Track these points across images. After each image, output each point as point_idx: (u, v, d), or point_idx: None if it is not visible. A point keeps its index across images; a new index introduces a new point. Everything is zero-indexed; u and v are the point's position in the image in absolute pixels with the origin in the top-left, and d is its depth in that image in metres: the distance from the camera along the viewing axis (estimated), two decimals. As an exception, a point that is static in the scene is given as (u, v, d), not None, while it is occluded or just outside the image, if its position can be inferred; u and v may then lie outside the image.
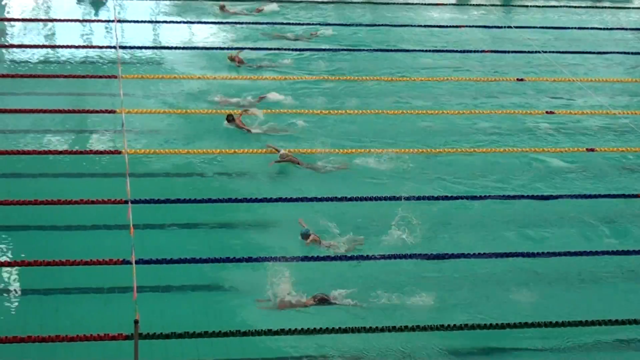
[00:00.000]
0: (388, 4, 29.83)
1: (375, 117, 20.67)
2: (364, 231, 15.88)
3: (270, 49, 24.26)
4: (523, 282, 14.83)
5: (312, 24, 26.71)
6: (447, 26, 27.49)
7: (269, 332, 12.81)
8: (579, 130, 20.90)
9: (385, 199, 16.78)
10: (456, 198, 17.22)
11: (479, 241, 15.93)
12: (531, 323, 13.36)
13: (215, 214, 16.30)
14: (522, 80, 23.34)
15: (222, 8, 26.94)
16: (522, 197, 17.40)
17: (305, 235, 15.32)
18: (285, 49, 24.26)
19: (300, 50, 24.42)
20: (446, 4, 30.58)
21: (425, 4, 29.94)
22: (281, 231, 15.90)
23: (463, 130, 20.44)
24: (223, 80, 21.98)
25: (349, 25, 27.09)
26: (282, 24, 26.52)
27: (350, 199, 16.75)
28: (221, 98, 20.70)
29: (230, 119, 19.30)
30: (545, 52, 24.96)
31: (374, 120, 20.52)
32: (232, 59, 22.61)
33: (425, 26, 27.35)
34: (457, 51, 25.19)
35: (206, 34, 25.68)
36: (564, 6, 30.82)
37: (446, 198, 17.19)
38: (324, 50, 24.64)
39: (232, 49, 23.45)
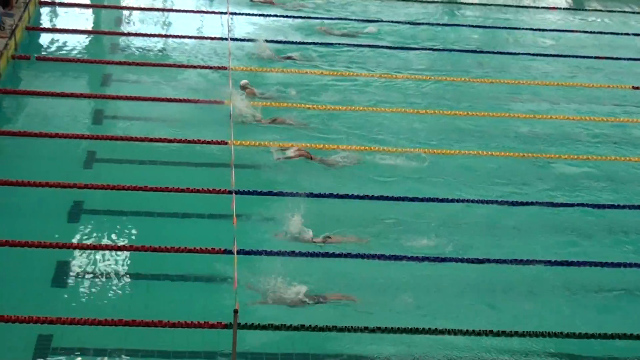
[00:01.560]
0: (500, 5, 29.54)
1: (482, 119, 20.46)
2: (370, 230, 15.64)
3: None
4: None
5: (414, 23, 26.69)
6: (560, 30, 27.01)
7: (365, 330, 12.81)
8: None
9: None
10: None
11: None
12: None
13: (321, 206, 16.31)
14: (638, 88, 22.70)
15: None
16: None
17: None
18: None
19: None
20: (560, 8, 30.06)
21: (536, 7, 29.52)
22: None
23: (574, 137, 20.02)
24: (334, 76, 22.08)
25: (457, 25, 27.00)
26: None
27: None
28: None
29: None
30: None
31: (483, 122, 20.34)
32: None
33: (535, 29, 26.97)
34: (569, 56, 24.71)
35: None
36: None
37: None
38: (423, 49, 24.58)
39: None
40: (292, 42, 24.04)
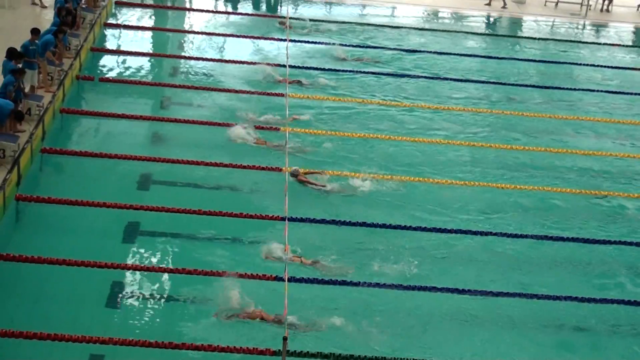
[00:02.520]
0: (560, 40, 29.49)
1: (539, 153, 20.41)
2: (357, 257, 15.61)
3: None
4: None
5: (473, 55, 26.72)
6: (622, 67, 26.87)
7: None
8: None
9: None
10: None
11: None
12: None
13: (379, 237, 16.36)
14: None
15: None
16: None
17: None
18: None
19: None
20: (622, 45, 29.85)
21: (598, 43, 29.37)
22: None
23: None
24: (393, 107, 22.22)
25: (515, 59, 27.03)
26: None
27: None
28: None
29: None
30: None
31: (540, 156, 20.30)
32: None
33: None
34: (630, 93, 24.58)
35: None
36: None
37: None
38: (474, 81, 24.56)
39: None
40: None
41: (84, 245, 15.11)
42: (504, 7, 32.37)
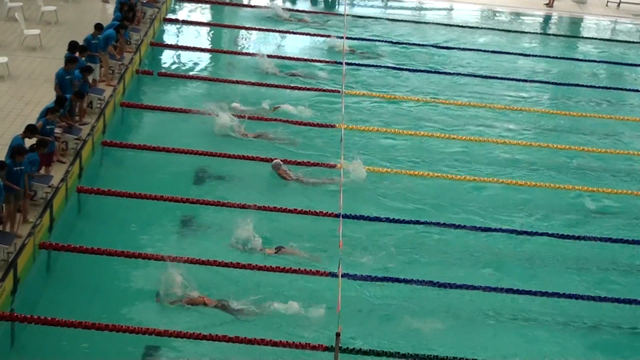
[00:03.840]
0: (620, 41, 29.15)
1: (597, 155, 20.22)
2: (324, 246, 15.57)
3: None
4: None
5: (532, 55, 26.56)
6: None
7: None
8: None
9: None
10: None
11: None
12: None
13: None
14: None
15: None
16: None
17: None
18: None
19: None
20: None
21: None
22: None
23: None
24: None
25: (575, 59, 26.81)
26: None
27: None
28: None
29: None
30: None
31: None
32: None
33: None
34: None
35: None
36: None
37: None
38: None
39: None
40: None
41: (140, 237, 15.40)
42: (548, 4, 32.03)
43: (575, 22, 31.51)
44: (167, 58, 23.97)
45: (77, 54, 18.34)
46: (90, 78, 18.62)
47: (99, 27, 19.84)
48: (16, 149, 14.03)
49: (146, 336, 12.67)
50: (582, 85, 24.55)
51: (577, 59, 26.94)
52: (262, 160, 18.23)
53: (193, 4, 28.44)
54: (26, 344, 12.70)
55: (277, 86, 22.08)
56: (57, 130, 16.28)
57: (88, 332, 12.64)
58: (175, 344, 12.75)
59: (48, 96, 18.35)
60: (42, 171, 15.48)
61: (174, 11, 27.50)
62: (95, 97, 18.76)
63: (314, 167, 18.19)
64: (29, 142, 14.80)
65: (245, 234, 15.44)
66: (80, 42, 19.00)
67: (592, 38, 29.49)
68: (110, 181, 16.93)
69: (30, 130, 14.80)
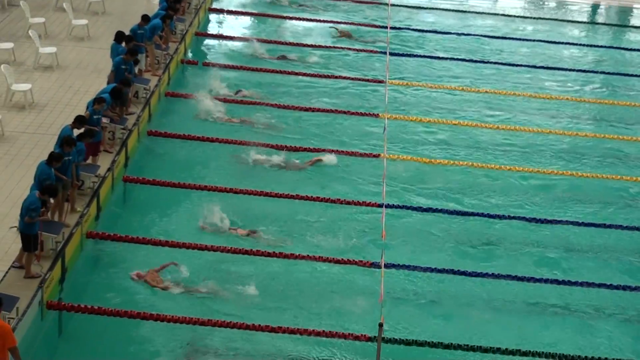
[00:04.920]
0: None
1: None
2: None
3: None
4: None
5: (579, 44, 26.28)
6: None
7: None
8: None
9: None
10: None
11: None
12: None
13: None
14: None
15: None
16: None
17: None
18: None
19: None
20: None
21: None
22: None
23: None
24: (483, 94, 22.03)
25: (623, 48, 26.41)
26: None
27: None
28: None
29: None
30: None
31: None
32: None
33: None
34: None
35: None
36: None
37: None
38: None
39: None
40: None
41: (186, 226, 15.55)
42: None
43: (624, 11, 31.05)
44: (211, 48, 24.10)
45: (123, 44, 18.56)
46: (136, 68, 18.82)
47: (145, 18, 20.01)
48: (65, 140, 14.24)
49: (190, 325, 12.79)
50: (630, 75, 24.20)
51: (625, 48, 26.54)
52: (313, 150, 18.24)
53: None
54: (74, 332, 12.91)
55: (319, 76, 22.08)
56: (103, 119, 16.49)
57: (134, 321, 12.81)
58: (221, 334, 12.86)
59: (95, 86, 18.61)
60: (89, 161, 15.72)
61: (218, 1, 27.62)
62: (141, 87, 18.95)
63: (357, 157, 18.19)
64: (76, 132, 15.02)
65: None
66: (127, 33, 19.21)
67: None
68: (154, 171, 17.05)
69: (79, 121, 15.02)
